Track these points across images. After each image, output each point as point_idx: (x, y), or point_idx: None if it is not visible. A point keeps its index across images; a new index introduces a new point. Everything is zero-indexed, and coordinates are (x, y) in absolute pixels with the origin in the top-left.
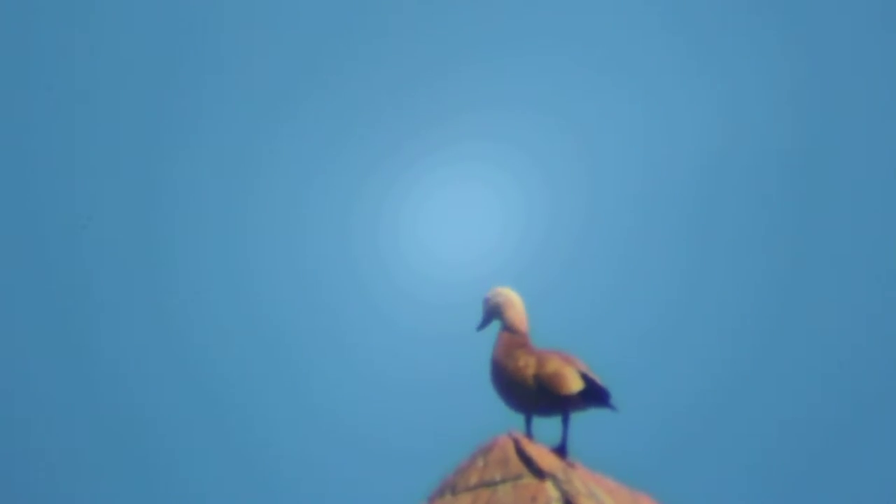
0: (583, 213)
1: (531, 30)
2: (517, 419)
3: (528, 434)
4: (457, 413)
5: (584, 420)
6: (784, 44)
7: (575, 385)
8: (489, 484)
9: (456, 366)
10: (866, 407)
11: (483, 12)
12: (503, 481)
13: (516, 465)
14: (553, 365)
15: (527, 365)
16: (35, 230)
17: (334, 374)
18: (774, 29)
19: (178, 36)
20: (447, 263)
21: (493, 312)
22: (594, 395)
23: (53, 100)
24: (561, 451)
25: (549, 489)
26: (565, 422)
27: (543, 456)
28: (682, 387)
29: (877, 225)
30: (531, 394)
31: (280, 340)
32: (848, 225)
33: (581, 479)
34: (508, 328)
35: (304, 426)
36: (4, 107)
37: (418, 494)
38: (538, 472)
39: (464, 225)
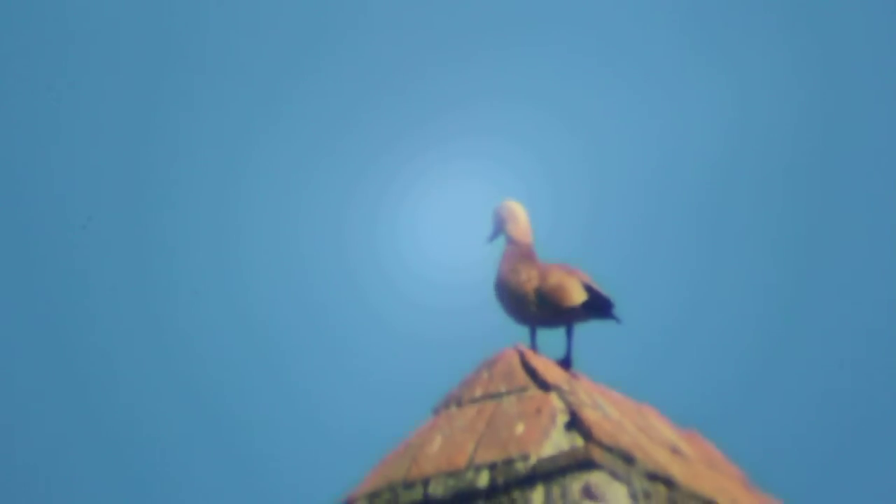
0: (587, 212)
1: (533, 21)
2: (521, 333)
3: (533, 347)
4: None
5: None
6: (795, 38)
7: (578, 296)
8: (494, 396)
9: (456, 369)
10: (873, 408)
11: (483, 2)
12: (508, 393)
13: (521, 377)
14: (556, 277)
15: (529, 278)
16: (32, 230)
17: (331, 377)
18: (785, 23)
19: (170, 37)
20: (446, 265)
21: (499, 226)
22: (597, 305)
23: (53, 99)
24: (565, 363)
25: (554, 400)
26: (569, 334)
27: (548, 368)
28: (687, 388)
29: (890, 224)
30: (535, 306)
31: (275, 343)
32: (860, 224)
33: (585, 391)
34: (512, 241)
35: (300, 429)
36: (4, 106)
37: None
38: (543, 384)
39: (464, 225)
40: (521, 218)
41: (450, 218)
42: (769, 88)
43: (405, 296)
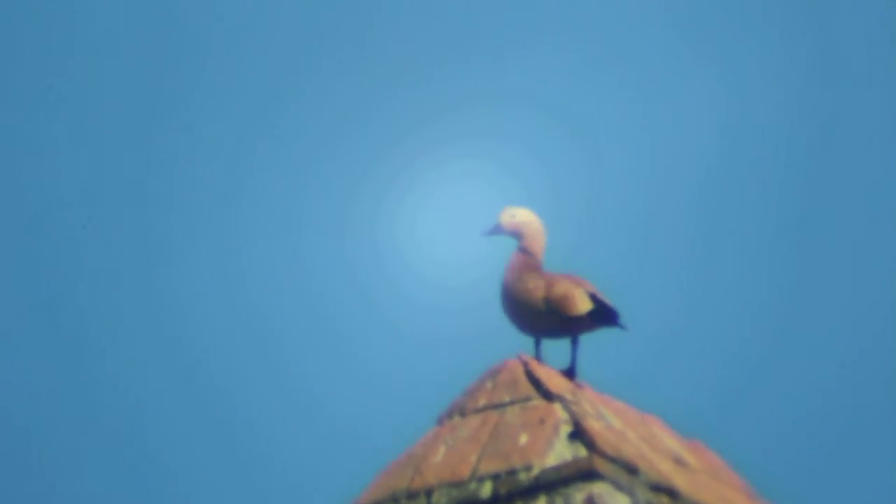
0: (585, 212)
1: (532, 23)
2: (524, 339)
3: (538, 357)
4: None
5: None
6: (791, 36)
7: (584, 306)
8: (498, 406)
9: (456, 370)
10: (873, 408)
11: (482, 4)
12: (512, 403)
13: (525, 387)
14: (562, 287)
15: (536, 287)
16: (32, 230)
17: (332, 377)
18: (781, 21)
19: (172, 35)
20: (447, 265)
21: (510, 229)
22: (603, 315)
23: (53, 99)
24: (570, 373)
25: (558, 411)
26: (574, 344)
27: (552, 378)
28: (687, 388)
29: (889, 222)
30: (540, 316)
31: (275, 342)
32: (859, 222)
33: (589, 401)
34: (524, 250)
35: (300, 429)
36: (4, 107)
37: None
38: (547, 394)
39: (465, 226)
40: (538, 230)
41: (451, 219)
42: (765, 87)
43: (406, 295)
